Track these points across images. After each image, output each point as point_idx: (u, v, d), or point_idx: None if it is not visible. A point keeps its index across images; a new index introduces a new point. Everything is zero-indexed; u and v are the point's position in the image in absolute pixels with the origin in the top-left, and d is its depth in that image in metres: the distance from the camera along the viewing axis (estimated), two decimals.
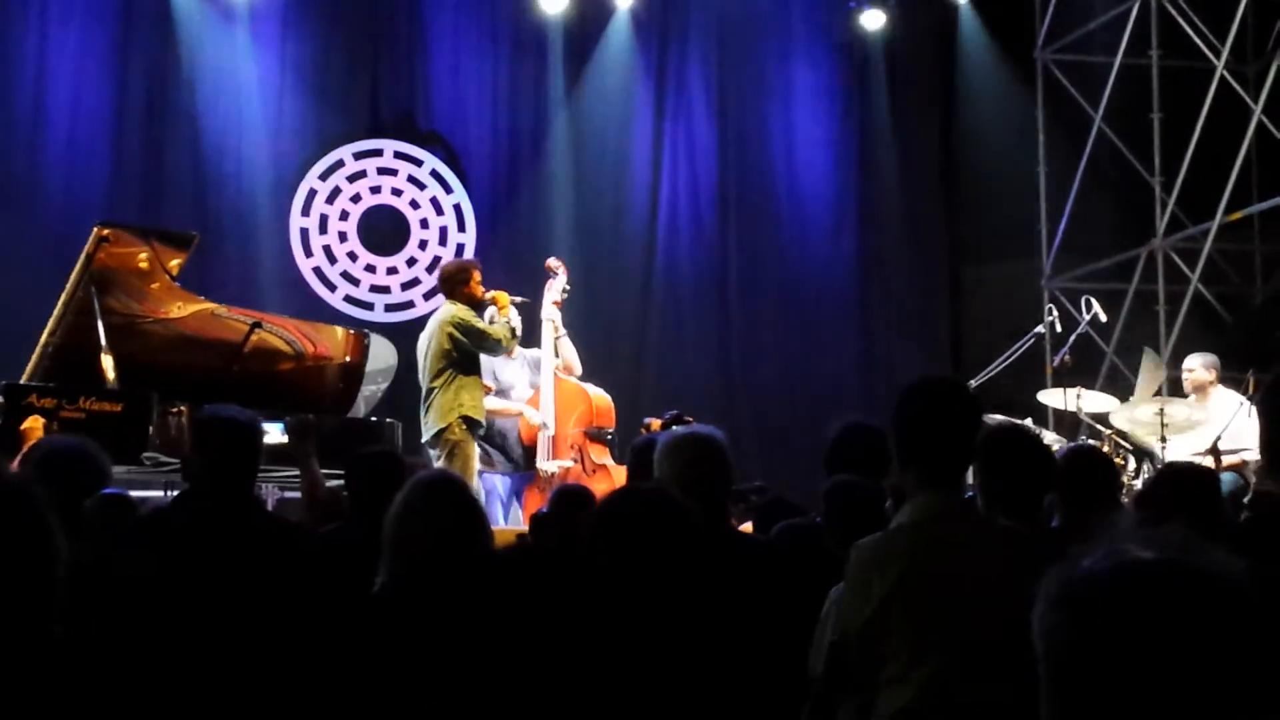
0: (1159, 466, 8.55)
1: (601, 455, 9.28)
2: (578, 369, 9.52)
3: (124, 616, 4.00)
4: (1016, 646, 1.62)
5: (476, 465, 8.80)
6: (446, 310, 8.89)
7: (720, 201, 13.23)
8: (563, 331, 9.50)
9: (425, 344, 8.88)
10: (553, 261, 9.69)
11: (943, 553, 3.22)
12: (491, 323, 8.87)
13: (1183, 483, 4.00)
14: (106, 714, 3.89)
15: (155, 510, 4.94)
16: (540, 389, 9.38)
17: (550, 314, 9.48)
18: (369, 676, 3.63)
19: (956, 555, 3.21)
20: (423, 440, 8.81)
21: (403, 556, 3.74)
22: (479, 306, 8.94)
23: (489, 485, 9.20)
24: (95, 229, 8.38)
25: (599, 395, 9.53)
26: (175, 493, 6.98)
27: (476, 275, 8.97)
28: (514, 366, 9.46)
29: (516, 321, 9.02)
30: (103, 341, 8.24)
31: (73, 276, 8.30)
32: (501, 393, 9.33)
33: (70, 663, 2.65)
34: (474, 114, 12.82)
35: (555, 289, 9.55)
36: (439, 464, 8.37)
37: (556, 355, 9.45)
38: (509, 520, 9.14)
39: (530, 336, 9.51)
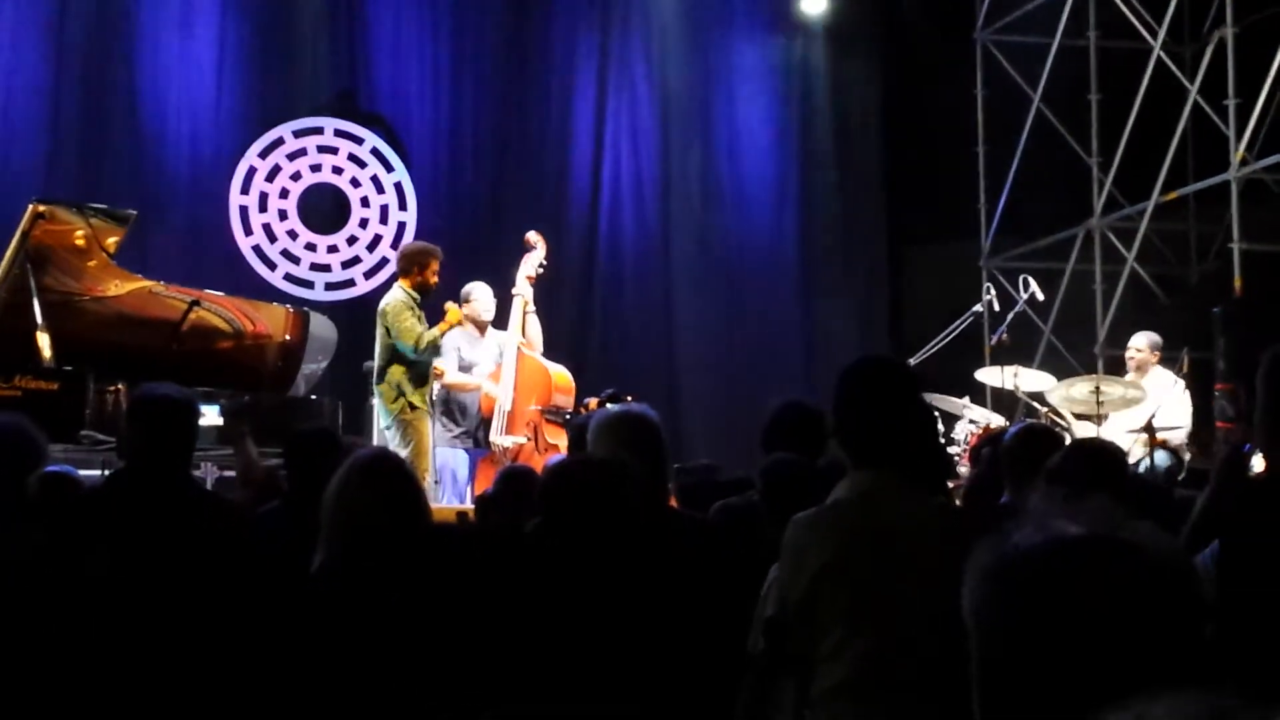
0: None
1: (556, 435, 9.14)
2: (539, 346, 9.50)
3: (58, 596, 3.97)
4: (952, 622, 1.63)
5: (430, 445, 8.80)
6: (392, 293, 8.92)
7: (662, 181, 13.21)
8: (532, 307, 9.48)
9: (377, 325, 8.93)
10: (531, 236, 9.66)
11: (879, 527, 3.23)
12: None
13: (1091, 458, 4.04)
14: (44, 694, 3.87)
15: (89, 489, 4.90)
16: (503, 363, 9.35)
17: (522, 288, 9.47)
18: (307, 655, 3.62)
19: (893, 530, 3.23)
20: (380, 426, 8.85)
21: (341, 535, 3.73)
22: (426, 294, 8.91)
23: (445, 461, 9.19)
24: (31, 206, 8.32)
25: (560, 373, 9.46)
26: (110, 471, 6.95)
27: (435, 264, 8.94)
28: (483, 345, 9.41)
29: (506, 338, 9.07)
30: (39, 319, 8.19)
31: (8, 254, 8.24)
32: (465, 369, 9.29)
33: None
34: (415, 91, 12.75)
35: (530, 264, 9.52)
36: (394, 446, 8.34)
37: (523, 330, 9.43)
38: (466, 496, 9.08)
39: (501, 317, 9.50)
